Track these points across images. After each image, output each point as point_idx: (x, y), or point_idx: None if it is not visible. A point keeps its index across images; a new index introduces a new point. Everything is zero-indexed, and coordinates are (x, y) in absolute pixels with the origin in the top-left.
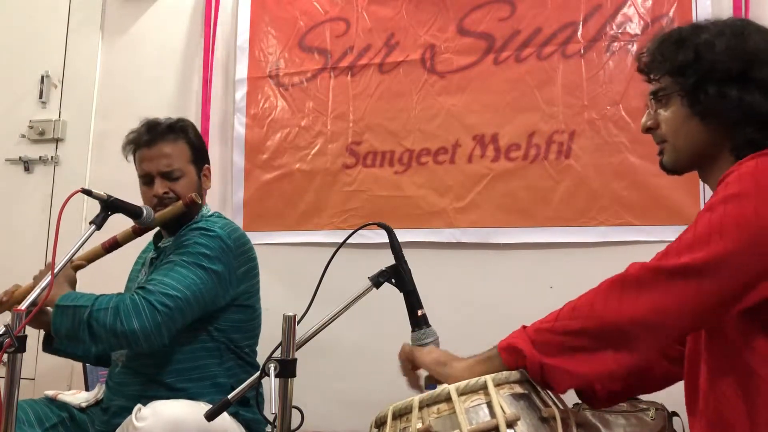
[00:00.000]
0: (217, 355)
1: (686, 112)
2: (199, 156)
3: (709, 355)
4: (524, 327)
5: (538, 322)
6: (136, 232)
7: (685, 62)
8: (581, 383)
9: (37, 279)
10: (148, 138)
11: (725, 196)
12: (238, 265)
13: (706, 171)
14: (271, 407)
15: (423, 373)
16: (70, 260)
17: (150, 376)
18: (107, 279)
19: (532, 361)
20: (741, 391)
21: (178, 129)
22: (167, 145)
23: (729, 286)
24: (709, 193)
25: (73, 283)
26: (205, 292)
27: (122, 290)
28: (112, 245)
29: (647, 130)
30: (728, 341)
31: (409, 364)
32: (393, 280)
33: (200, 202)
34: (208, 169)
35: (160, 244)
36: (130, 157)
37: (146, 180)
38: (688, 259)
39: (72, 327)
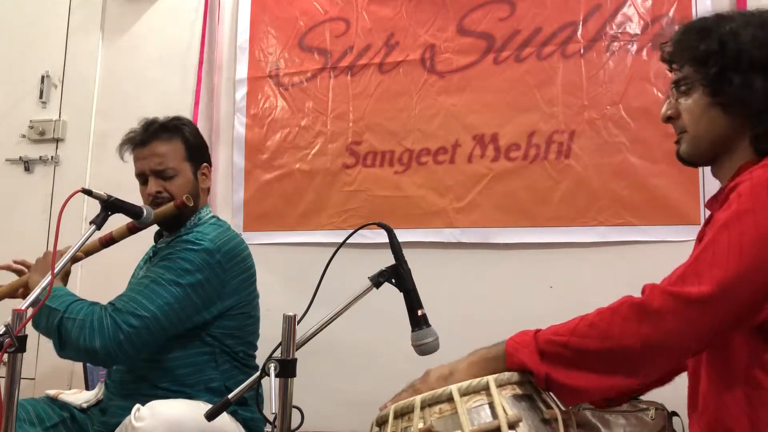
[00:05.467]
0: (212, 359)
1: (708, 101)
2: (196, 154)
3: (710, 366)
4: (536, 332)
5: (551, 332)
6: (131, 230)
7: (709, 51)
8: (587, 400)
9: (33, 269)
10: (143, 137)
11: (739, 211)
12: (229, 278)
13: (720, 163)
14: (271, 407)
15: None
16: (70, 260)
17: (146, 379)
18: (109, 276)
19: (539, 374)
20: (744, 402)
21: (172, 127)
22: (161, 144)
23: (747, 306)
24: (709, 192)
25: (65, 274)
26: (179, 310)
27: (125, 285)
28: (108, 241)
29: (667, 119)
30: (732, 353)
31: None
32: (393, 280)
33: (191, 204)
34: (207, 168)
35: (158, 243)
36: (128, 157)
37: (141, 179)
38: (708, 287)
39: (46, 327)
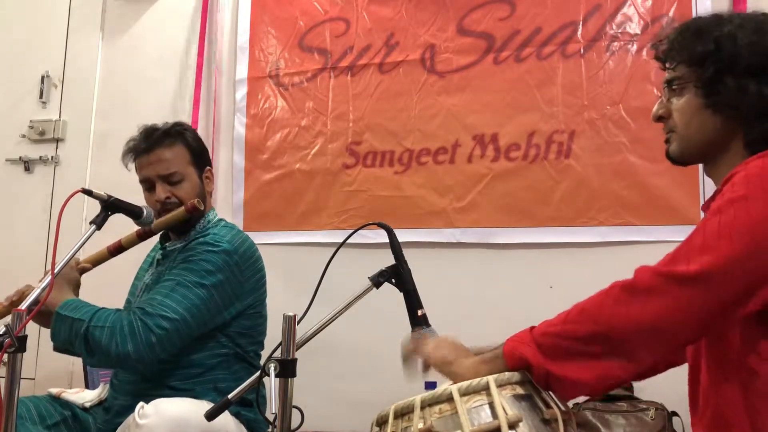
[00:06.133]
0: (225, 360)
1: (700, 102)
2: (199, 158)
3: (709, 357)
4: (531, 329)
5: (545, 325)
6: (140, 237)
7: (705, 53)
8: (587, 392)
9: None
10: (146, 145)
11: (732, 198)
12: (245, 279)
13: (713, 164)
14: (271, 407)
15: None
16: (70, 260)
17: (155, 378)
18: (112, 279)
19: (538, 369)
20: (743, 393)
21: (174, 133)
22: (165, 150)
23: (736, 291)
24: (709, 192)
25: (76, 285)
26: (205, 312)
27: (128, 287)
28: (117, 249)
29: (658, 118)
30: (730, 344)
31: (413, 355)
32: (393, 280)
33: (202, 208)
34: (210, 171)
35: (167, 245)
36: (131, 165)
37: (148, 186)
38: (697, 266)
39: (69, 338)
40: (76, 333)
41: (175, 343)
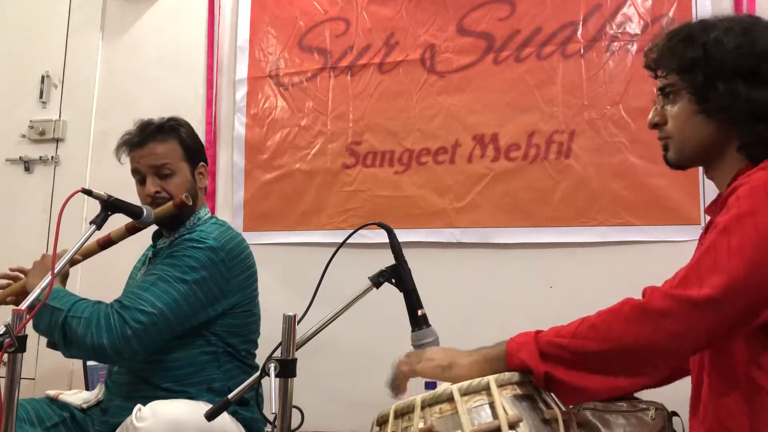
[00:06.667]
0: (215, 359)
1: (693, 108)
2: (193, 154)
3: (711, 368)
4: (536, 334)
5: (552, 334)
6: (129, 231)
7: (693, 60)
8: (589, 399)
9: (31, 273)
10: (139, 139)
11: (739, 214)
12: (232, 276)
13: (712, 168)
14: (271, 407)
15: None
16: (70, 260)
17: (147, 379)
18: (109, 277)
19: (538, 373)
20: (745, 405)
21: (168, 128)
22: (158, 145)
23: (748, 308)
24: (709, 192)
25: (64, 275)
26: (186, 307)
27: (123, 286)
28: (106, 242)
29: (654, 125)
30: (733, 356)
31: (407, 378)
32: (393, 280)
33: (190, 203)
34: (204, 167)
35: (158, 243)
36: (125, 159)
37: (139, 179)
38: (710, 290)
39: (48, 327)
40: (54, 322)
41: (153, 337)
